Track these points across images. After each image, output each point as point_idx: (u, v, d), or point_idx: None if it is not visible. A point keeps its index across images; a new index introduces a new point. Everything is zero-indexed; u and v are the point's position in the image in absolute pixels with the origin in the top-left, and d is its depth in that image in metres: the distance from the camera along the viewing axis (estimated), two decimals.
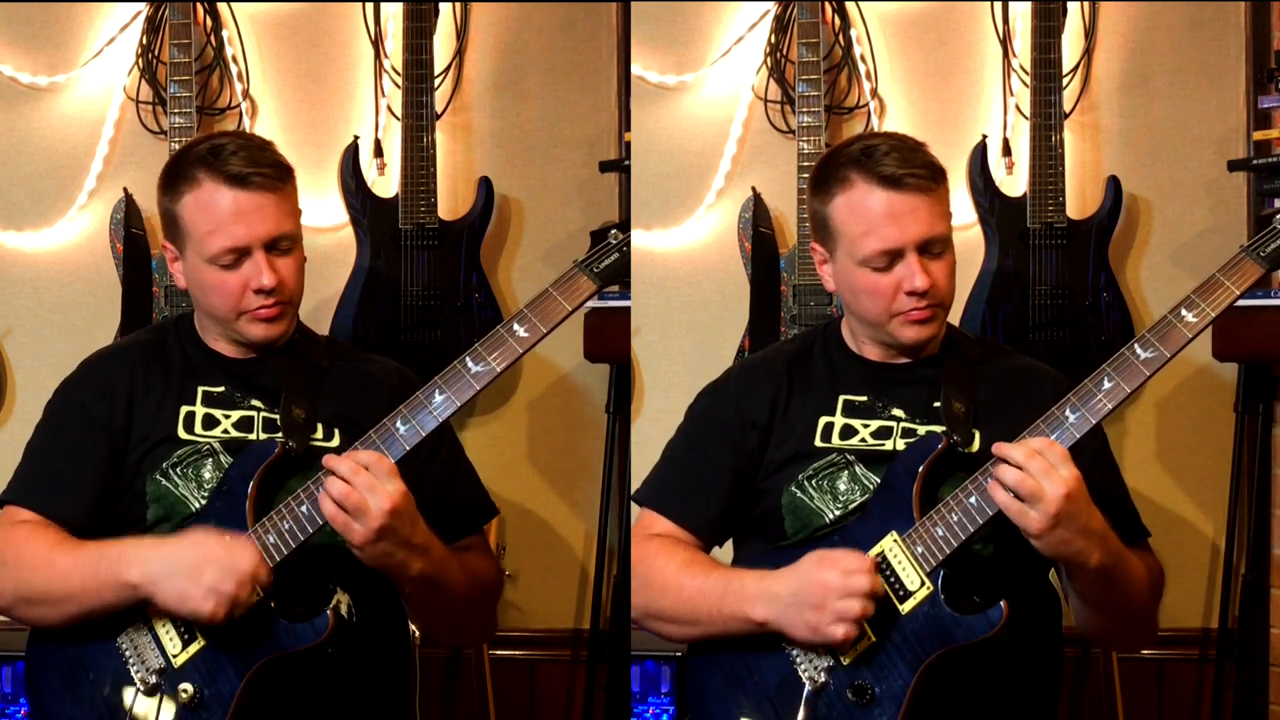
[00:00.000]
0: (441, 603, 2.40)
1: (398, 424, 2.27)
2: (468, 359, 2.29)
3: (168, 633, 2.31)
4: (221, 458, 2.40)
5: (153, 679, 2.30)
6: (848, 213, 2.35)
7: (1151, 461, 3.71)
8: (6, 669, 3.54)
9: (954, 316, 2.51)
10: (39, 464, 2.45)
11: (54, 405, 2.50)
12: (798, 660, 2.28)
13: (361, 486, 2.20)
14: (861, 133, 3.48)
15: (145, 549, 2.29)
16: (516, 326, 2.31)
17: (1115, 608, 2.30)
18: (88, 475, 2.41)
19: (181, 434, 2.42)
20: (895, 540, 2.24)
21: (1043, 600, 2.41)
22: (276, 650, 2.27)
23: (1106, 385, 2.16)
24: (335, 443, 2.41)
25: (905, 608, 2.21)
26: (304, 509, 2.27)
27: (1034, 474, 2.12)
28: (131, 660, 2.32)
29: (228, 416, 2.45)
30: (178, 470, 2.40)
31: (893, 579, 2.23)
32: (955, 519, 2.21)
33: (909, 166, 2.32)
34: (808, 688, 2.26)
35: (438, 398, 2.27)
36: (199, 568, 2.22)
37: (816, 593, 2.20)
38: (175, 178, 2.43)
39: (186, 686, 2.28)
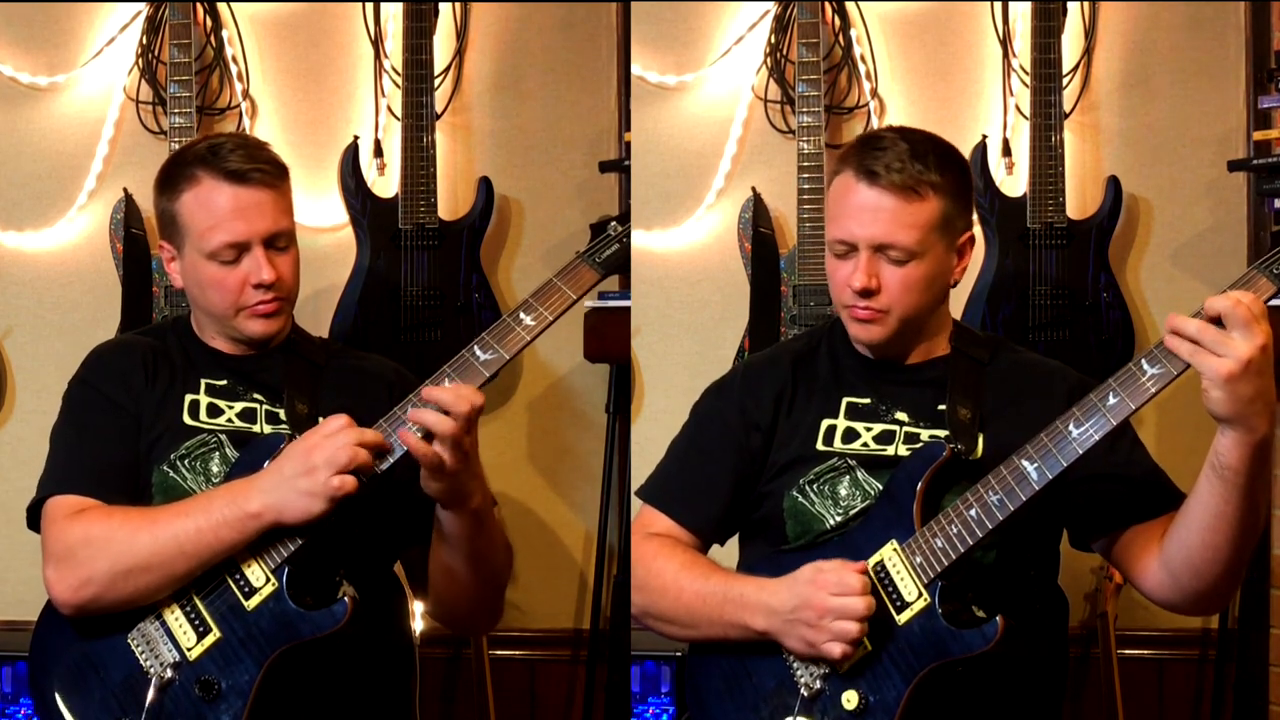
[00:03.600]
0: (484, 549, 2.39)
1: (408, 411, 2.27)
2: (476, 348, 2.31)
3: (181, 626, 2.30)
4: (228, 450, 2.42)
5: (168, 673, 2.30)
6: None
7: None
8: (6, 669, 3.55)
9: (953, 317, 2.51)
10: (77, 456, 2.43)
11: (76, 397, 2.50)
12: (794, 666, 2.28)
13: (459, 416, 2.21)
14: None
15: (250, 483, 2.27)
16: (523, 315, 2.33)
17: (1248, 511, 2.14)
18: (125, 462, 2.41)
19: (187, 420, 2.44)
20: (895, 549, 2.24)
21: (1047, 605, 2.40)
22: (295, 639, 2.27)
23: (1112, 401, 2.14)
24: None
25: (901, 619, 2.21)
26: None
27: (1231, 321, 2.02)
28: (144, 655, 2.31)
29: (231, 407, 2.47)
30: (185, 463, 2.41)
31: (890, 588, 2.22)
32: (955, 531, 2.20)
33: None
34: (802, 694, 2.26)
35: (447, 385, 2.28)
36: (308, 461, 2.21)
37: (813, 612, 2.20)
38: (173, 177, 2.46)
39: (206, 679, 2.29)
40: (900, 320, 2.34)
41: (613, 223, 2.42)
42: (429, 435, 2.23)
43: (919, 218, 2.30)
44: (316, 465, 2.21)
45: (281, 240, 2.45)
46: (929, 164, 2.30)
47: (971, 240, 2.40)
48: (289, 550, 2.28)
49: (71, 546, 2.32)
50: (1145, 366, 2.12)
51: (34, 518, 2.42)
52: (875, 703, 2.21)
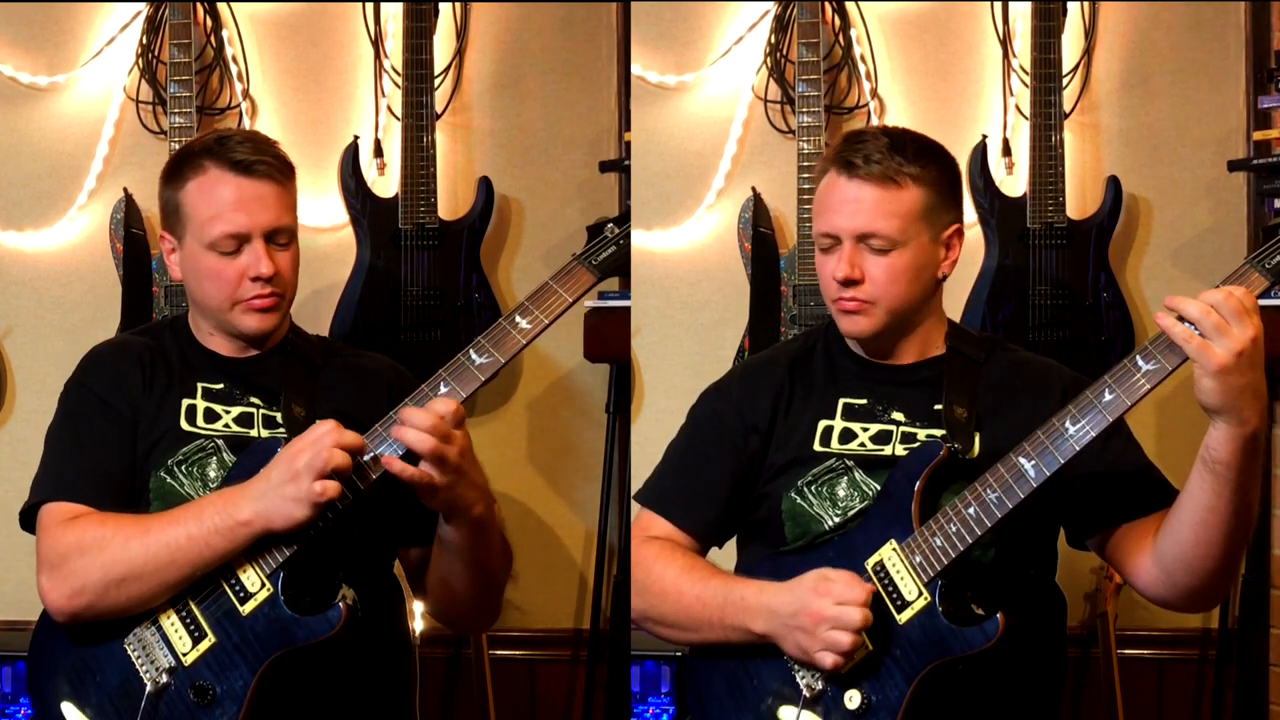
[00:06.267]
0: (483, 556, 2.40)
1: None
2: (471, 351, 2.30)
3: (177, 631, 2.30)
4: (225, 455, 2.42)
5: (163, 678, 2.29)
6: None
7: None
8: (6, 669, 3.54)
9: (953, 317, 2.51)
10: (72, 461, 2.43)
11: (72, 401, 2.49)
12: (796, 667, 2.28)
13: (438, 435, 2.20)
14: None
15: (241, 490, 2.26)
16: (519, 318, 2.32)
17: (1240, 505, 2.14)
18: (121, 467, 2.41)
19: (184, 425, 2.44)
20: (894, 549, 2.24)
21: (1046, 604, 2.41)
22: (290, 644, 2.27)
23: (1108, 397, 2.14)
24: None
25: (902, 618, 2.21)
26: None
27: (1224, 312, 2.03)
28: (140, 661, 2.31)
29: (228, 412, 2.47)
30: (183, 468, 2.41)
31: (890, 588, 2.22)
32: (954, 529, 2.20)
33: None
34: (805, 695, 2.26)
35: (442, 390, 2.28)
36: (292, 467, 2.21)
37: (809, 618, 2.20)
38: (180, 166, 2.47)
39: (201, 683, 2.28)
40: (888, 312, 2.35)
41: (609, 224, 2.42)
42: (413, 456, 2.22)
43: (899, 206, 2.32)
44: (299, 471, 2.21)
45: (283, 237, 2.45)
46: (907, 155, 2.33)
47: (960, 233, 2.41)
48: (284, 555, 2.28)
49: (65, 554, 2.32)
50: (1140, 363, 2.12)
51: (28, 519, 2.42)
52: (878, 702, 2.22)
